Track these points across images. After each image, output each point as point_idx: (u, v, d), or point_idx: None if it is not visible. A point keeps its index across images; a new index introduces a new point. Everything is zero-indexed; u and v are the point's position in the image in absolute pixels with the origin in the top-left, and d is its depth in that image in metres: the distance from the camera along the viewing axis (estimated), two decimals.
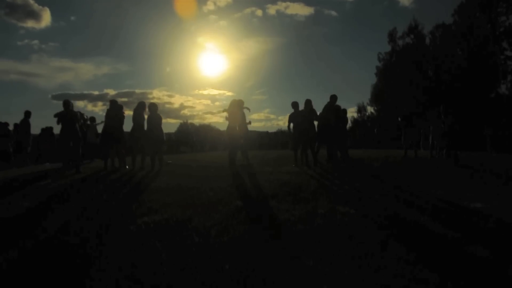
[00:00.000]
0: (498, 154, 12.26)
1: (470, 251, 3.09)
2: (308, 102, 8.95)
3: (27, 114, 11.58)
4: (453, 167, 8.14)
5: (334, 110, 9.28)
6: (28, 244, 3.45)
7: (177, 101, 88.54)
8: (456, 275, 2.65)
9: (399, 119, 11.74)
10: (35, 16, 77.78)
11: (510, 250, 3.12)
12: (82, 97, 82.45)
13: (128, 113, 12.71)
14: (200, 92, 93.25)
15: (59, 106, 8.41)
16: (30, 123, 11.74)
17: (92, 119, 12.08)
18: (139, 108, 8.80)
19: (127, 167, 8.64)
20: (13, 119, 13.20)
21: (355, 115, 40.35)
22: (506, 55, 27.74)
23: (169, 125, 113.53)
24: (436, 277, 2.61)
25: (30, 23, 77.78)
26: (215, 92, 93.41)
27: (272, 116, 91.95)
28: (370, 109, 38.50)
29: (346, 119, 9.81)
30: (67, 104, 8.26)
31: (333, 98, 9.39)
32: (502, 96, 27.34)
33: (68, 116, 8.25)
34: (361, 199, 5.03)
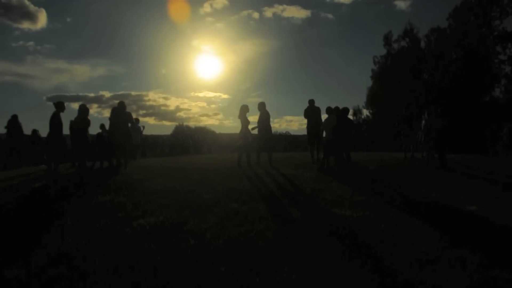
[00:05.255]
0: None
1: (466, 253, 3.12)
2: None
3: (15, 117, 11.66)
4: (448, 170, 8.19)
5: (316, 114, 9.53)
6: (26, 249, 3.44)
7: (172, 103, 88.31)
8: (451, 277, 2.67)
9: (397, 123, 11.85)
10: (31, 17, 77.53)
11: (506, 252, 3.15)
12: (77, 99, 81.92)
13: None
14: (196, 94, 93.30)
15: (53, 108, 8.46)
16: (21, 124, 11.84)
17: (137, 120, 12.27)
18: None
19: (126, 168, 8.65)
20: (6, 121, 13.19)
21: (351, 117, 40.38)
22: (500, 59, 28.05)
23: (165, 127, 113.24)
24: (431, 279, 2.63)
25: (25, 24, 77.46)
26: (211, 94, 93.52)
27: None
28: (365, 112, 38.70)
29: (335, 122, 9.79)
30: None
31: (311, 102, 9.71)
32: (497, 99, 27.62)
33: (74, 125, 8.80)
34: (357, 202, 5.05)
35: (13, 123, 11.59)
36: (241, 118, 9.15)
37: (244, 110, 9.17)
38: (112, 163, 8.83)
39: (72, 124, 8.99)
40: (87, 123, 8.99)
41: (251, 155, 9.19)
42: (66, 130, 8.76)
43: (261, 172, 7.85)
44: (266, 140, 9.32)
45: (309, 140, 9.92)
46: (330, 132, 8.59)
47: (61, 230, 3.89)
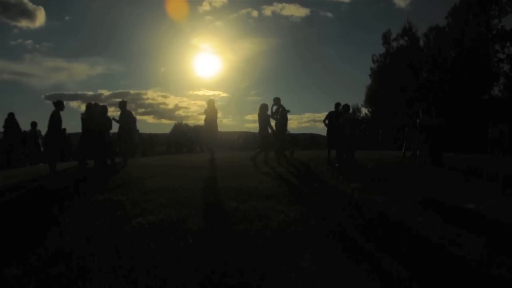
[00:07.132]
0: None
1: (466, 252, 3.12)
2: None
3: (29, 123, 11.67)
4: (447, 169, 8.19)
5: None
6: (24, 248, 3.43)
7: (171, 102, 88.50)
8: (450, 275, 2.67)
9: (406, 118, 11.94)
10: (30, 15, 77.31)
11: (505, 252, 3.16)
12: (75, 97, 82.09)
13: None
14: (195, 93, 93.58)
15: (52, 107, 8.37)
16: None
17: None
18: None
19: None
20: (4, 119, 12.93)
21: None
22: (499, 58, 28.08)
23: (164, 126, 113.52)
24: (430, 277, 2.64)
25: (24, 23, 77.35)
26: (209, 93, 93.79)
27: None
28: (364, 111, 38.70)
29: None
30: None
31: (276, 100, 9.73)
32: (496, 98, 27.67)
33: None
34: (355, 201, 5.05)
35: (10, 121, 11.52)
36: (261, 117, 9.09)
37: (264, 109, 9.13)
38: (106, 162, 8.80)
39: (89, 125, 8.73)
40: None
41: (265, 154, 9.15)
42: (71, 129, 8.72)
43: (259, 170, 7.84)
44: (211, 137, 9.36)
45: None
46: (348, 128, 8.59)
47: (60, 228, 3.88)
